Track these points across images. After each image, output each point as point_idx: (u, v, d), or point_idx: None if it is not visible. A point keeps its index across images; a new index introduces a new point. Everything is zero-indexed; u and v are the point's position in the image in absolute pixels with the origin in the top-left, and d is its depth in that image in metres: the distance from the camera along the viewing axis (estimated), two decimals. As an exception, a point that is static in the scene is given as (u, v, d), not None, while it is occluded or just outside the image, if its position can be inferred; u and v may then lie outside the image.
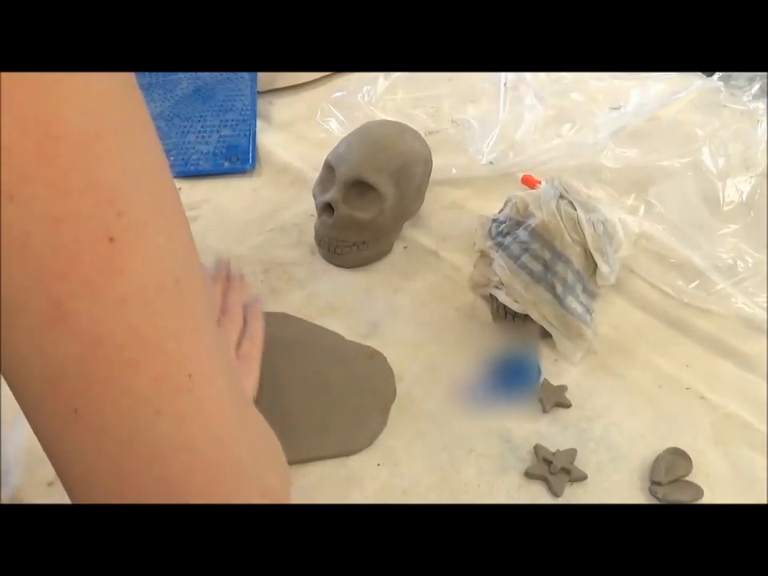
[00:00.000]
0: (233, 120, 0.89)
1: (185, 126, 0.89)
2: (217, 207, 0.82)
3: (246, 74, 0.94)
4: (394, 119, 0.83)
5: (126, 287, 0.33)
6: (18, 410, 0.64)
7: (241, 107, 0.91)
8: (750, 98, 0.89)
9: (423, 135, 0.79)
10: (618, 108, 0.90)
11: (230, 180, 0.84)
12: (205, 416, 0.39)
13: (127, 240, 0.33)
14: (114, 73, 0.40)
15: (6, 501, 0.57)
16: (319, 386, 0.66)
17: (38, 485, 0.59)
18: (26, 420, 0.63)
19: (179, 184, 0.83)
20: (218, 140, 0.87)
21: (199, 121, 0.90)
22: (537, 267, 0.68)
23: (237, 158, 0.85)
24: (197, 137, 0.88)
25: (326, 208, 0.74)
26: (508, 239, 0.70)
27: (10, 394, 0.66)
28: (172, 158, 0.85)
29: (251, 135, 0.87)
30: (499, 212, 0.74)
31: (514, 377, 0.67)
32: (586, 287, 0.69)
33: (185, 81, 0.94)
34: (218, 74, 0.95)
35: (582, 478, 0.61)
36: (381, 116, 0.87)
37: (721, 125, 0.85)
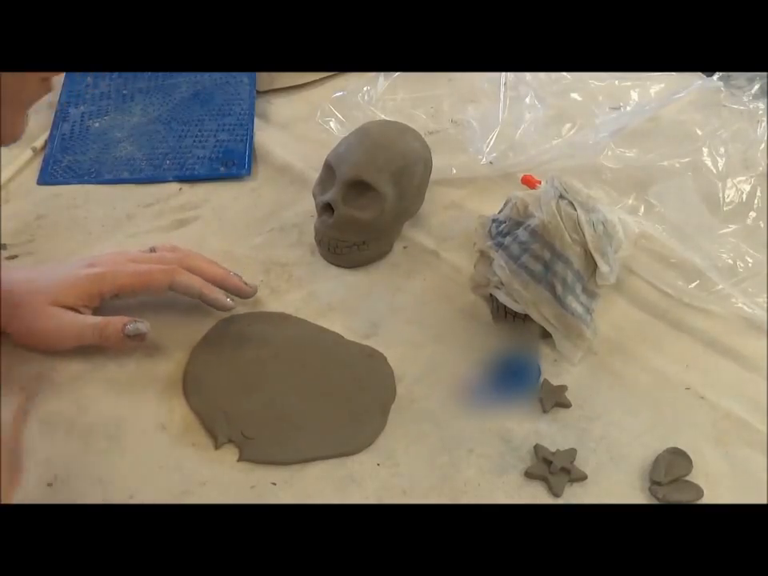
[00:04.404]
0: (230, 124, 0.89)
1: (182, 130, 0.89)
2: (217, 207, 0.81)
3: (245, 78, 0.94)
4: (394, 119, 0.83)
5: None
6: (16, 411, 0.65)
7: (239, 111, 0.91)
8: (750, 97, 0.89)
9: (423, 135, 0.79)
10: (618, 108, 0.90)
11: (230, 180, 0.84)
12: None
13: None
14: None
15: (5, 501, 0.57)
16: (319, 386, 0.66)
17: (38, 485, 0.59)
18: (26, 420, 0.64)
19: (179, 185, 0.83)
20: (215, 144, 0.87)
21: (197, 125, 0.89)
22: (537, 267, 0.68)
23: (233, 162, 0.85)
24: (194, 141, 0.87)
25: (326, 208, 0.74)
26: (508, 239, 0.70)
27: (10, 394, 0.66)
28: (169, 162, 0.85)
29: (248, 140, 0.87)
30: (499, 212, 0.74)
31: (513, 377, 0.67)
32: (585, 287, 0.69)
33: (183, 85, 0.94)
34: (216, 78, 0.94)
35: (582, 478, 0.61)
36: (381, 116, 0.87)
37: (721, 125, 0.85)
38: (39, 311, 0.64)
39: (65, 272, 0.66)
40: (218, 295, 0.68)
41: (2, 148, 0.84)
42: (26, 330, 0.65)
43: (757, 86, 0.89)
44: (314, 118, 0.88)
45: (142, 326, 0.64)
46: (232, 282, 0.69)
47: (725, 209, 0.79)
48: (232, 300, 0.68)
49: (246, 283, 0.70)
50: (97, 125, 0.89)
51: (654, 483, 0.60)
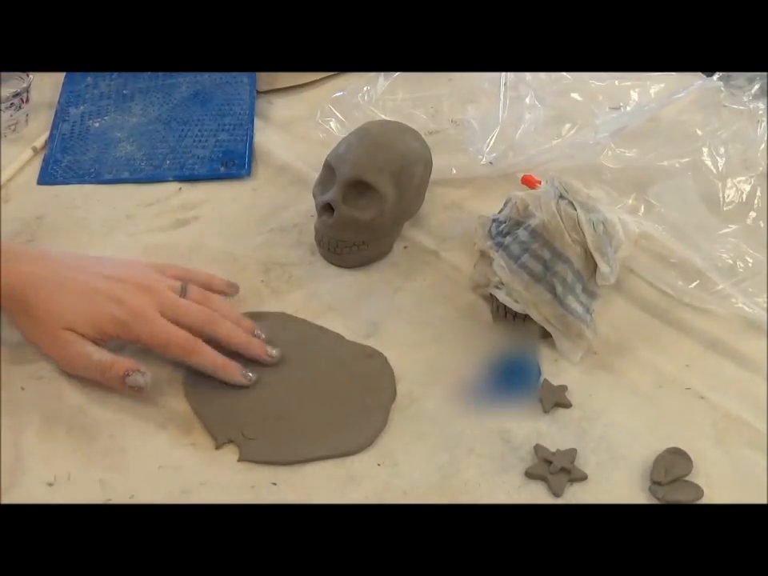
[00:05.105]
0: (230, 124, 0.89)
1: (182, 130, 0.89)
2: (217, 207, 0.81)
3: (244, 78, 0.94)
4: (394, 119, 0.83)
5: None
6: (17, 411, 0.65)
7: (239, 111, 0.90)
8: (750, 97, 0.88)
9: (423, 135, 0.79)
10: (618, 108, 0.90)
11: (230, 180, 0.84)
12: None
13: None
14: None
15: (6, 501, 0.57)
16: (319, 385, 0.66)
17: (38, 485, 0.59)
18: (26, 420, 0.64)
19: (179, 184, 0.83)
20: (215, 144, 0.87)
21: (197, 125, 0.89)
22: (537, 267, 0.68)
23: (233, 163, 0.85)
24: (194, 141, 0.87)
25: (326, 208, 0.74)
26: (508, 239, 0.70)
27: (10, 394, 0.66)
28: (169, 162, 0.85)
29: (248, 140, 0.87)
30: (499, 212, 0.74)
31: (513, 377, 0.67)
32: (585, 287, 0.69)
33: (183, 84, 0.94)
34: (216, 77, 0.94)
35: (582, 477, 0.61)
36: (381, 116, 0.87)
37: (721, 125, 0.85)
38: (53, 335, 0.63)
39: (86, 300, 0.64)
40: (233, 377, 0.65)
41: (2, 148, 0.85)
42: (40, 347, 0.65)
43: (757, 86, 0.89)
44: (314, 118, 0.88)
45: (141, 379, 0.63)
46: (253, 351, 0.67)
47: (725, 209, 0.79)
48: (247, 376, 0.65)
49: (267, 352, 0.67)
50: (97, 125, 0.89)
51: (654, 483, 0.60)
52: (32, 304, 0.63)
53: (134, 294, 0.65)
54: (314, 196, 0.76)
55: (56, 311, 0.63)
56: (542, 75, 0.91)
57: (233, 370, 0.65)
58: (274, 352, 0.67)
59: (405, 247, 0.78)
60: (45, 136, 0.88)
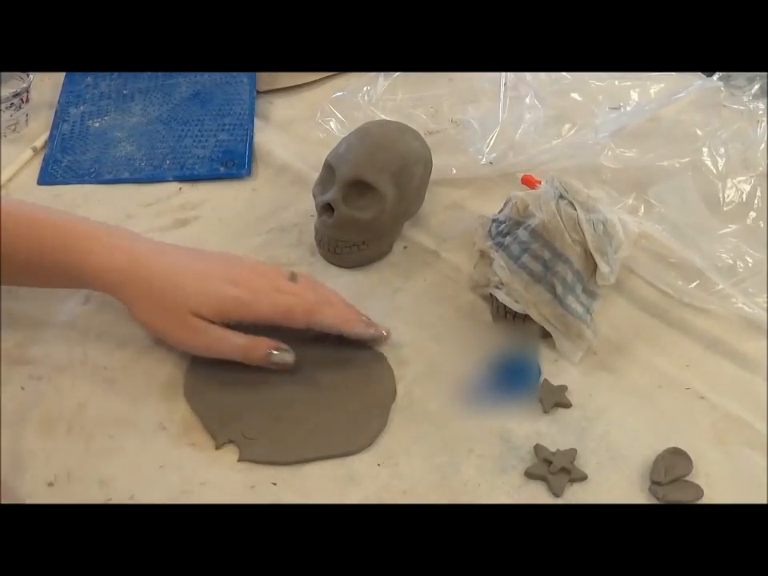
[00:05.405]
0: (230, 124, 0.89)
1: (182, 130, 0.89)
2: (217, 207, 0.81)
3: (244, 78, 0.94)
4: (394, 119, 0.83)
5: None
6: (17, 411, 0.65)
7: (239, 111, 0.90)
8: (750, 97, 0.88)
9: (423, 135, 0.79)
10: (618, 108, 0.90)
11: (230, 180, 0.84)
12: None
13: None
14: None
15: (5, 501, 0.57)
16: (319, 386, 0.66)
17: (38, 485, 0.59)
18: (26, 420, 0.64)
19: (179, 185, 0.83)
20: (215, 144, 0.87)
21: (197, 125, 0.89)
22: (537, 267, 0.68)
23: (233, 163, 0.85)
24: (194, 141, 0.87)
25: (326, 208, 0.74)
26: (508, 239, 0.70)
27: (10, 394, 0.66)
28: (169, 162, 0.85)
29: (248, 140, 0.87)
30: (499, 212, 0.74)
31: (513, 377, 0.67)
32: (585, 287, 0.69)
33: (184, 85, 0.94)
34: (216, 77, 0.94)
35: (582, 478, 0.61)
36: (381, 116, 0.87)
37: (721, 125, 0.85)
38: (182, 321, 0.63)
39: (208, 283, 0.64)
40: (359, 330, 0.67)
41: (2, 148, 0.85)
42: (165, 334, 0.65)
43: (757, 86, 0.89)
44: (314, 118, 0.88)
45: (288, 356, 0.65)
46: (361, 327, 0.68)
47: (725, 209, 0.79)
48: (376, 329, 0.67)
49: (382, 331, 0.68)
50: (97, 125, 0.89)
51: (654, 483, 0.60)
52: (156, 290, 0.63)
53: (249, 275, 0.66)
54: (314, 196, 0.76)
55: (182, 296, 0.63)
56: (542, 75, 0.91)
57: (358, 323, 0.67)
58: (384, 332, 0.68)
59: (405, 247, 0.78)
60: (45, 136, 0.88)
